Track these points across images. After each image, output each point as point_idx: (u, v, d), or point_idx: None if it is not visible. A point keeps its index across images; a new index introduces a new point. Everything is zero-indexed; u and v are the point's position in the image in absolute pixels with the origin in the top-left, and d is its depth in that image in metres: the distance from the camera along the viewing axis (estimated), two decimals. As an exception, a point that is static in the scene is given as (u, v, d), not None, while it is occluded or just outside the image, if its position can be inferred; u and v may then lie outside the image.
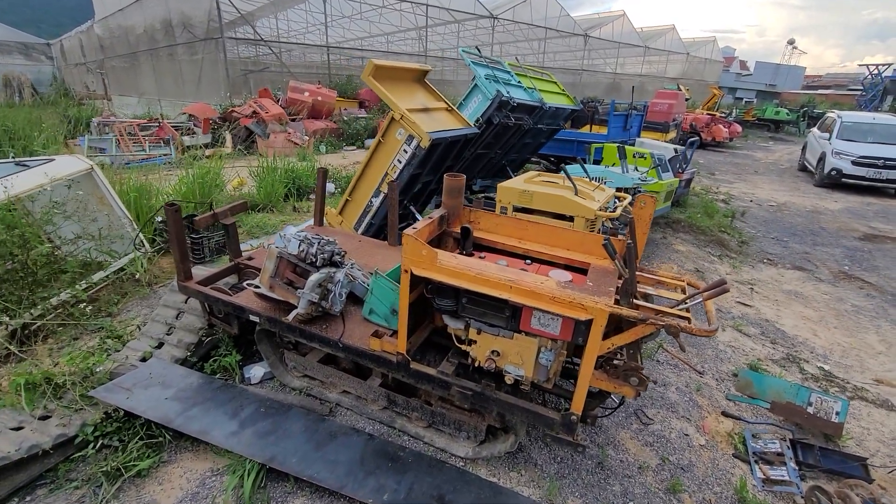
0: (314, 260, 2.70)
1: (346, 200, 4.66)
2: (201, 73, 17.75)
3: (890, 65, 40.32)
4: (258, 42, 17.56)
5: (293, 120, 14.72)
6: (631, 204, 5.17)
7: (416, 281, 2.26)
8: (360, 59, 22.59)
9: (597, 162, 7.23)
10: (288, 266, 2.75)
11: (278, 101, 15.51)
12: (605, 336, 2.11)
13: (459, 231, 2.48)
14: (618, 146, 5.04)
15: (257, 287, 2.83)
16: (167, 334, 3.31)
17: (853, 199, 12.36)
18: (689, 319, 1.93)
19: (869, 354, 4.95)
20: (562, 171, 3.71)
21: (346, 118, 15.74)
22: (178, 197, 6.32)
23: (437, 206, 3.52)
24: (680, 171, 7.67)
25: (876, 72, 37.30)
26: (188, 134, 13.18)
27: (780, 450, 3.18)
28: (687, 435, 3.30)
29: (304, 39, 24.41)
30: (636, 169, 6.37)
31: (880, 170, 12.42)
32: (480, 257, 2.49)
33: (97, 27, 26.65)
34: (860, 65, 44.11)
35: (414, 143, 4.04)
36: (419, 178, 4.51)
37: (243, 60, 18.92)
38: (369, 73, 4.03)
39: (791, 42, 65.06)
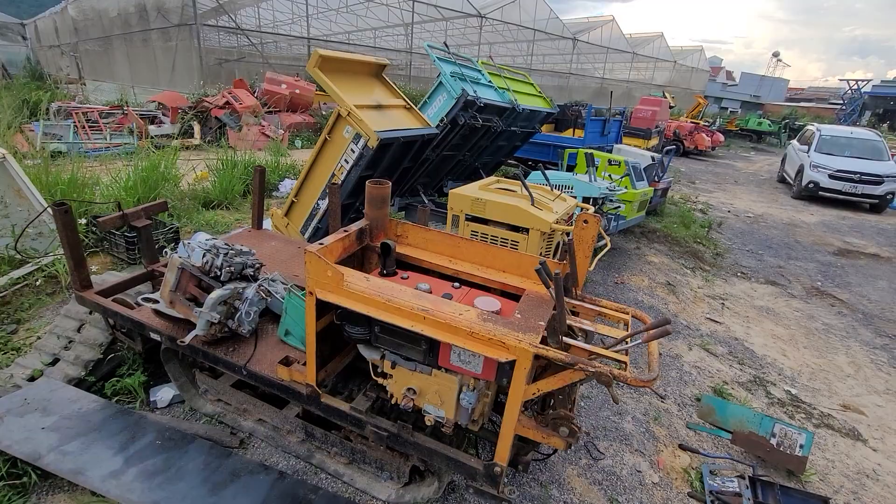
0: (218, 273, 2.36)
1: (292, 202, 4.31)
2: (175, 61, 17.11)
3: (869, 80, 41.19)
4: (236, 31, 16.97)
5: (269, 113, 14.23)
6: (604, 215, 4.91)
7: (323, 305, 1.94)
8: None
9: (570, 168, 6.98)
10: (191, 279, 2.40)
11: (254, 92, 14.99)
12: (536, 376, 1.81)
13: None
14: (586, 152, 4.77)
15: (156, 302, 2.47)
16: (65, 349, 2.93)
17: (829, 213, 12.37)
18: (625, 365, 1.64)
19: (837, 377, 4.77)
20: (518, 178, 3.42)
21: (325, 113, 15.30)
22: (123, 192, 5.88)
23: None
24: (656, 179, 7.47)
25: (855, 87, 38.01)
26: (155, 123, 12.62)
27: (738, 489, 2.93)
28: (640, 471, 3.04)
29: (290, 31, 23.81)
30: (610, 177, 6.13)
31: (856, 184, 12.45)
32: (403, 278, 2.17)
33: (71, 8, 25.65)
34: (840, 79, 44.95)
35: (361, 142, 3.72)
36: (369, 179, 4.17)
37: (224, 50, 18.33)
38: (314, 63, 3.69)
39: (776, 54, 66.11)
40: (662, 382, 4.19)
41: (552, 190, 3.71)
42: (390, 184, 2.22)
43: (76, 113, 11.24)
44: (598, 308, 2.00)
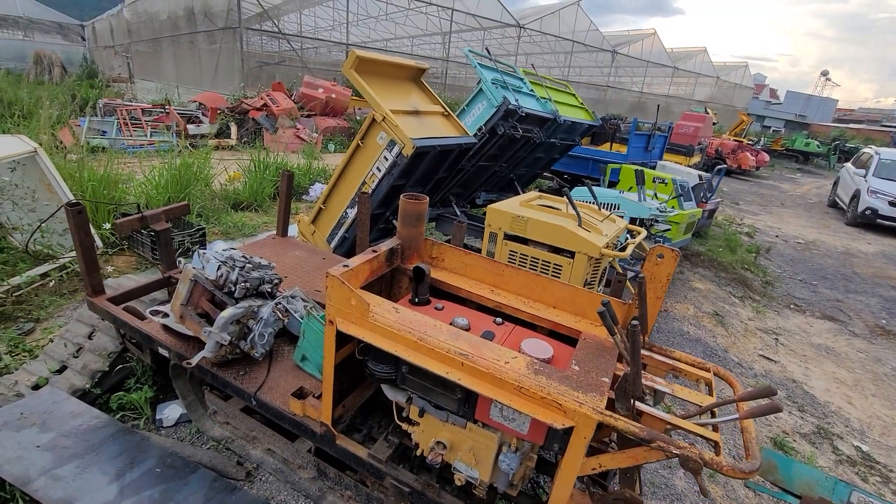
0: (233, 289, 2.13)
1: (320, 209, 4.10)
2: (218, 63, 17.53)
3: (929, 103, 38.78)
4: (277, 35, 17.26)
5: (305, 116, 14.32)
6: (651, 238, 4.52)
7: (344, 336, 1.67)
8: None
9: (612, 184, 6.59)
10: (204, 293, 2.18)
11: (291, 95, 15.14)
12: (592, 449, 1.49)
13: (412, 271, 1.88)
14: (636, 169, 4.40)
15: (165, 315, 2.26)
16: (73, 356, 2.77)
17: (889, 243, 11.47)
18: (718, 446, 1.30)
19: (915, 435, 4.22)
20: (564, 195, 3.10)
21: (359, 118, 15.31)
22: (154, 190, 5.83)
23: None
24: (703, 200, 6.98)
25: (914, 109, 35.84)
26: (194, 122, 12.83)
27: (812, 570, 2.50)
28: (694, 539, 2.64)
29: (330, 37, 24.17)
30: (655, 196, 5.72)
31: (920, 213, 11.53)
32: (438, 308, 1.89)
33: (126, 11, 26.79)
34: (897, 101, 42.52)
35: (396, 149, 3.48)
36: (403, 190, 3.93)
37: (265, 53, 18.67)
38: (351, 65, 3.48)
39: (825, 73, 63.40)
40: (714, 428, 3.76)
41: (600, 210, 3.37)
42: (427, 199, 1.95)
43: (120, 110, 11.52)
44: (670, 361, 1.66)
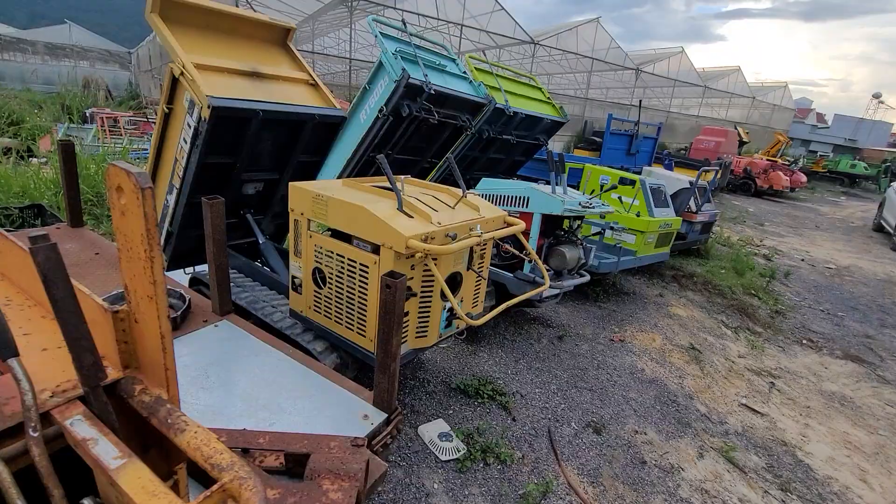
0: None
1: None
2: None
3: None
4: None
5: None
6: (574, 243, 3.44)
7: None
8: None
9: (574, 187, 5.53)
10: None
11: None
12: None
13: None
14: (552, 152, 3.38)
15: None
16: None
17: (943, 272, 9.70)
18: None
19: (959, 536, 2.89)
20: (378, 162, 2.12)
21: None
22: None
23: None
24: (691, 210, 5.80)
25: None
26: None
27: None
28: None
29: (337, 52, 24.31)
30: (620, 201, 4.64)
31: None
32: None
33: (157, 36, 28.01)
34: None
35: (196, 112, 2.65)
36: (235, 171, 3.08)
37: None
38: (154, 7, 2.71)
39: (877, 96, 59.53)
40: (636, 513, 2.60)
41: (464, 195, 2.40)
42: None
43: (100, 118, 11.43)
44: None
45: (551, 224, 3.42)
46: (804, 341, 5.49)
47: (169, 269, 3.42)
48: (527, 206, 3.24)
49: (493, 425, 2.88)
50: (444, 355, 3.55)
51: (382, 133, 4.22)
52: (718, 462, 3.13)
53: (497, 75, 5.68)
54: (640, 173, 6.91)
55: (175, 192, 3.03)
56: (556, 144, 25.31)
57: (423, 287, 2.22)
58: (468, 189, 2.52)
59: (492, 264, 3.68)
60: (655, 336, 4.62)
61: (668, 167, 10.91)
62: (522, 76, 6.47)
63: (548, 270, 3.33)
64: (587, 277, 3.65)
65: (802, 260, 9.32)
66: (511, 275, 3.39)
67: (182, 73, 2.65)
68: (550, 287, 3.28)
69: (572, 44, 24.89)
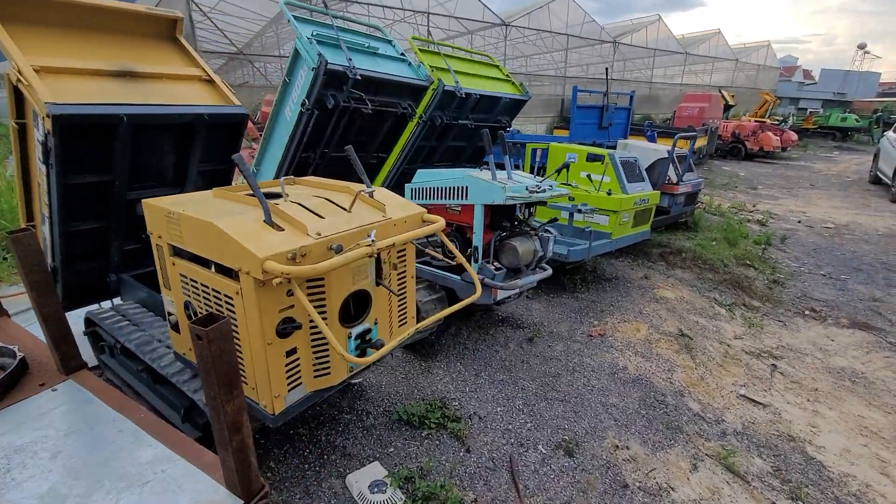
0: None
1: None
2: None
3: None
4: (238, 56, 16.64)
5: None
6: (528, 233, 2.93)
7: None
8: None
9: (540, 169, 5.05)
10: None
11: (255, 116, 14.33)
12: None
13: None
14: (482, 130, 2.86)
15: None
16: None
17: (948, 219, 9.23)
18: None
19: None
20: (240, 168, 1.63)
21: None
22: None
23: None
24: (671, 181, 5.32)
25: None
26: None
27: None
28: None
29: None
30: (590, 179, 4.16)
31: None
32: None
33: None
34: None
35: (41, 125, 2.18)
36: (116, 190, 2.59)
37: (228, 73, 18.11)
38: (-21, 2, 2.22)
39: (862, 46, 58.65)
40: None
41: (367, 194, 1.91)
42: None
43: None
44: None
45: (500, 215, 2.94)
46: (806, 312, 5.03)
47: (68, 309, 2.96)
48: (466, 198, 2.77)
49: (441, 462, 2.42)
50: (391, 377, 3.09)
51: (311, 129, 3.74)
52: (716, 473, 2.67)
53: (445, 55, 5.18)
54: (615, 147, 6.42)
55: (48, 221, 2.56)
56: (538, 127, 24.82)
57: (319, 311, 1.75)
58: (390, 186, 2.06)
59: (439, 266, 3.21)
60: (640, 325, 4.16)
61: (651, 138, 10.40)
62: (476, 54, 5.97)
63: (498, 269, 2.86)
64: (548, 271, 3.18)
65: (799, 222, 8.85)
66: (458, 277, 2.92)
67: (19, 79, 2.17)
68: (503, 288, 2.81)
69: (545, 22, 24.21)
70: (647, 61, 30.98)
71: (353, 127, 4.01)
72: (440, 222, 1.94)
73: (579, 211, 3.88)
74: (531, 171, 4.80)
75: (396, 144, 5.43)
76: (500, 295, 2.91)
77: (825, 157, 19.46)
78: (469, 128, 5.45)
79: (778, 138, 17.43)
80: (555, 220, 3.29)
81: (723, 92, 21.02)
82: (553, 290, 4.78)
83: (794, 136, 19.01)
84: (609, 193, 4.12)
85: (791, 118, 24.18)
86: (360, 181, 2.12)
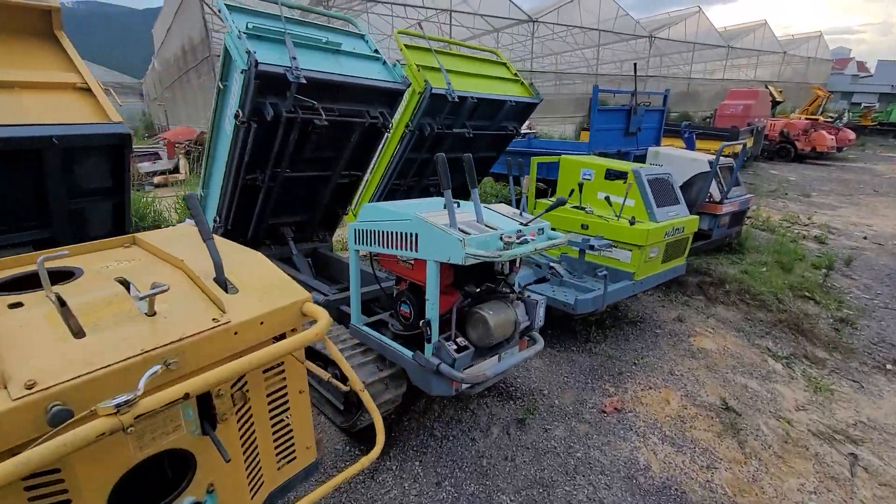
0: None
1: None
2: (206, 96, 16.98)
3: None
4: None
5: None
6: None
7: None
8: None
9: (549, 183, 4.18)
10: None
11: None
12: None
13: None
14: (438, 157, 2.00)
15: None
16: None
17: None
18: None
19: None
20: None
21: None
22: None
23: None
24: (713, 199, 4.35)
25: None
26: (150, 160, 11.87)
27: None
28: None
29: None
30: (608, 201, 3.28)
31: None
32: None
33: (156, 62, 27.92)
34: None
35: None
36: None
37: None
38: None
39: (926, 34, 54.08)
40: None
41: (216, 280, 1.16)
42: None
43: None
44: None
45: (466, 271, 2.08)
46: (888, 366, 3.97)
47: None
48: (416, 250, 1.94)
49: None
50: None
51: (251, 146, 3.01)
52: None
53: (438, 51, 4.39)
54: (644, 157, 5.43)
55: None
56: (567, 128, 23.61)
57: None
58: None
59: (394, 333, 2.41)
60: (670, 394, 3.24)
61: (689, 142, 9.26)
62: (479, 50, 5.15)
63: (463, 349, 2.03)
64: (538, 345, 2.32)
65: (865, 238, 7.59)
66: (411, 354, 2.11)
67: None
68: (465, 381, 2.00)
69: (576, 17, 23.01)
70: (686, 56, 29.26)
71: (309, 142, 3.26)
72: (318, 329, 1.15)
73: (591, 247, 3.02)
74: (542, 194, 3.93)
75: (381, 158, 4.68)
76: (466, 385, 2.09)
77: (887, 158, 17.55)
78: (466, 137, 4.64)
79: (833, 137, 15.76)
80: (581, 252, 2.40)
81: (770, 87, 19.32)
82: (560, 338, 3.89)
83: (852, 135, 17.22)
84: (633, 222, 3.23)
85: (847, 114, 22.09)
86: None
